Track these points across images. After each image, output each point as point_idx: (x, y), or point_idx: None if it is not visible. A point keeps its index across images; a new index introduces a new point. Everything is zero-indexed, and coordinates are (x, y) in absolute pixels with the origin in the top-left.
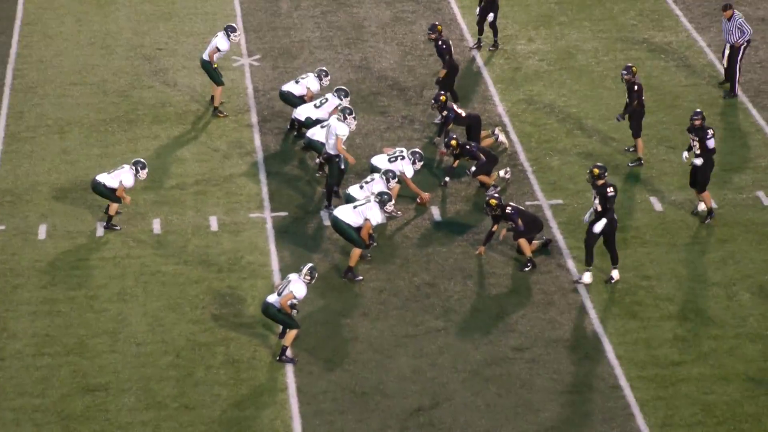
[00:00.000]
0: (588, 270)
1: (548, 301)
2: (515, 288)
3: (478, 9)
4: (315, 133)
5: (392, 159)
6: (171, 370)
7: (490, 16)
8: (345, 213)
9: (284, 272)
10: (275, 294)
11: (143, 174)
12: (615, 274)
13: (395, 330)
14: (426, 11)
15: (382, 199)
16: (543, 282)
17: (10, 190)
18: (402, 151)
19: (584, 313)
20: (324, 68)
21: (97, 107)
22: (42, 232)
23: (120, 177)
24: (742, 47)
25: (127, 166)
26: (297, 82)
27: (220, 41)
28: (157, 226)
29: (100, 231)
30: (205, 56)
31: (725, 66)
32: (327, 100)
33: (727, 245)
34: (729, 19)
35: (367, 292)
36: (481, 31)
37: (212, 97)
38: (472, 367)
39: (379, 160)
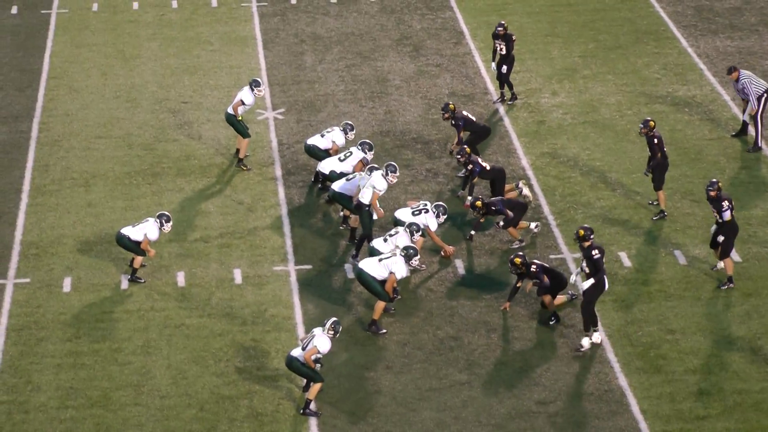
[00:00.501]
0: (591, 333)
1: (572, 355)
2: (539, 341)
3: (493, 64)
4: (340, 186)
5: (416, 212)
6: (195, 423)
7: (504, 68)
8: (370, 266)
9: (308, 325)
10: (299, 348)
11: (168, 227)
12: (585, 342)
13: (419, 383)
14: (450, 64)
15: (408, 254)
16: (567, 335)
17: (35, 243)
18: (426, 205)
19: (608, 367)
20: (350, 122)
21: (122, 160)
22: (67, 284)
23: (145, 230)
24: (764, 98)
25: (151, 219)
26: (322, 135)
27: (245, 95)
28: (181, 278)
29: (124, 284)
30: (230, 110)
31: (744, 119)
32: (351, 153)
33: (752, 299)
34: (736, 81)
35: (390, 345)
36: (502, 85)
37: (237, 150)
38: (496, 421)
39: (403, 214)
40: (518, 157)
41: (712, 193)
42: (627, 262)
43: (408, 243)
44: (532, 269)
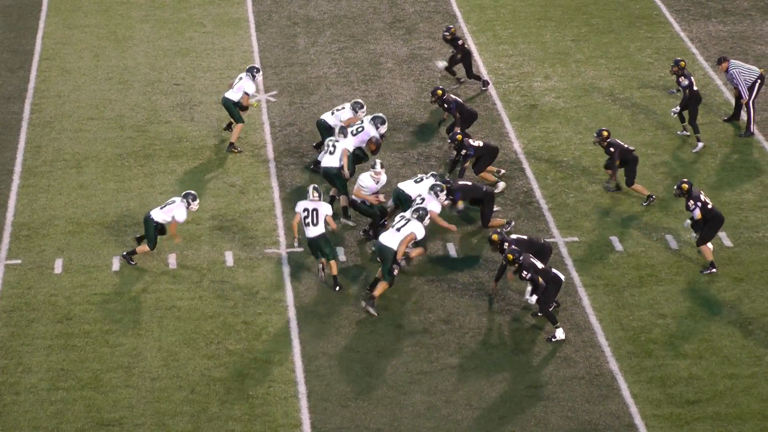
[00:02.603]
0: (558, 327)
1: (564, 338)
2: (530, 325)
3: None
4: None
5: (418, 180)
6: (185, 405)
7: (442, 64)
8: (389, 238)
9: (299, 308)
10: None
11: (195, 205)
12: (558, 333)
13: (410, 366)
14: (443, 48)
15: (420, 215)
16: (558, 319)
17: (27, 224)
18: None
19: (599, 351)
20: (359, 100)
21: (114, 142)
22: (58, 266)
23: (173, 212)
24: (757, 84)
25: (178, 200)
26: (333, 113)
27: (247, 84)
28: (172, 260)
29: (116, 265)
30: (232, 97)
31: (735, 103)
32: (363, 128)
33: (743, 284)
34: (726, 72)
35: (381, 328)
36: (471, 75)
37: (229, 126)
38: (487, 404)
39: (407, 186)
40: (510, 140)
41: (676, 193)
42: (618, 246)
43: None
44: (507, 246)
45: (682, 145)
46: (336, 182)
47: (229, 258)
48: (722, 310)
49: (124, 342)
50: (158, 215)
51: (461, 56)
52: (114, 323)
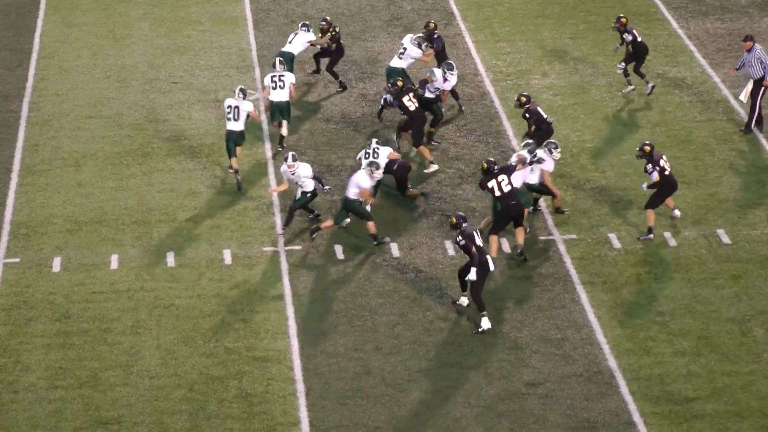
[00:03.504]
0: (484, 315)
1: (562, 336)
2: (529, 323)
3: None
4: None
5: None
6: (184, 403)
7: (324, 62)
8: (350, 192)
9: (298, 306)
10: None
11: (378, 174)
12: (484, 322)
13: (408, 364)
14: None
15: (371, 169)
16: (556, 317)
17: (25, 222)
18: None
19: (598, 349)
20: (450, 61)
21: (112, 140)
22: (56, 264)
23: (356, 181)
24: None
25: (363, 165)
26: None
27: (307, 36)
28: (171, 259)
29: (114, 264)
30: (293, 50)
31: (748, 102)
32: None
33: (741, 281)
34: (749, 51)
35: (380, 326)
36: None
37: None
38: (485, 402)
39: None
40: (508, 138)
41: (637, 155)
42: (617, 244)
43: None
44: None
45: (681, 143)
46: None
47: (228, 256)
48: (721, 308)
49: (123, 340)
50: (350, 192)
51: (334, 50)
52: (112, 321)
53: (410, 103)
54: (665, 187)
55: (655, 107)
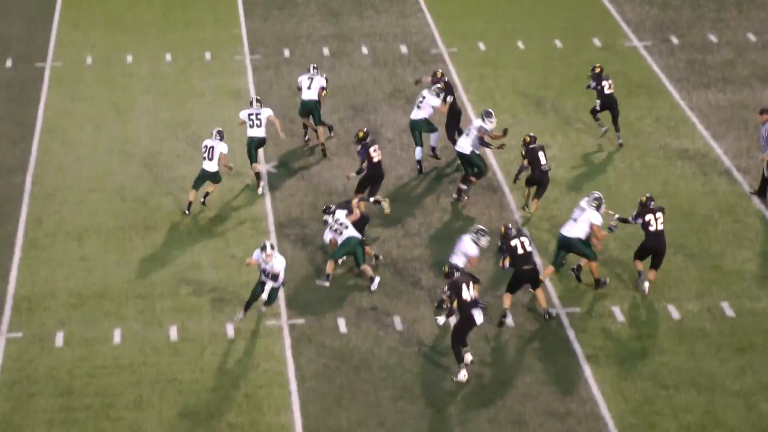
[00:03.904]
0: (462, 368)
1: (566, 411)
2: (533, 396)
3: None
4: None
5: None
6: None
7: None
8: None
9: (301, 380)
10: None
11: (485, 241)
12: (461, 375)
13: None
14: (443, 117)
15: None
16: (561, 391)
17: (28, 297)
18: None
19: (602, 423)
20: (489, 110)
21: (115, 213)
22: (59, 339)
23: (462, 250)
24: None
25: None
26: (466, 134)
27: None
28: (173, 333)
29: (117, 338)
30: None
31: (764, 175)
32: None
33: (746, 354)
34: (764, 124)
35: (383, 401)
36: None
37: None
38: None
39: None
40: (511, 210)
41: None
42: (620, 317)
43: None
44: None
45: (684, 215)
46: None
47: (230, 330)
48: (726, 381)
49: (125, 415)
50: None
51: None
52: (115, 396)
53: (375, 154)
54: (647, 241)
55: (657, 179)
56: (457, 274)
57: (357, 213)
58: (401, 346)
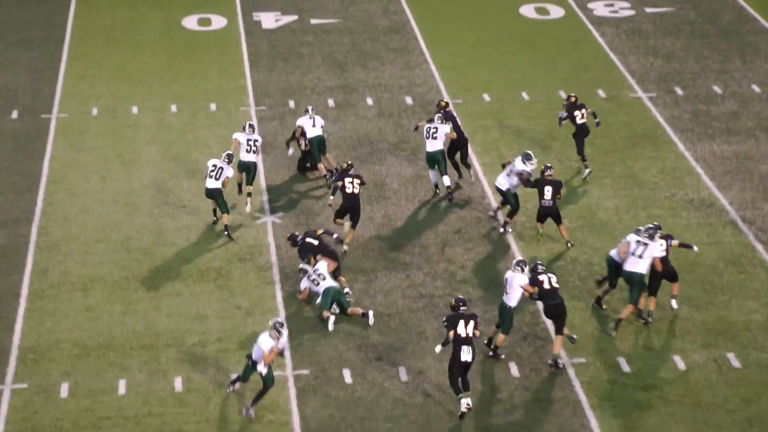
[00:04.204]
0: (461, 398)
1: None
2: None
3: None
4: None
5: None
6: None
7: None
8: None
9: (305, 431)
10: None
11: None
12: (462, 404)
13: None
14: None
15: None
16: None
17: (33, 347)
18: None
19: None
20: (529, 152)
21: (121, 264)
22: (64, 390)
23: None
24: None
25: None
26: (507, 174)
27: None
28: (178, 383)
29: (122, 389)
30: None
31: None
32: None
33: (753, 406)
34: None
35: None
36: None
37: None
38: None
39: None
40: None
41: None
42: (626, 368)
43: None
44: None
45: (690, 266)
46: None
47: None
48: None
49: None
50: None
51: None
52: None
53: (349, 185)
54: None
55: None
56: (463, 309)
57: (333, 264)
58: (406, 396)
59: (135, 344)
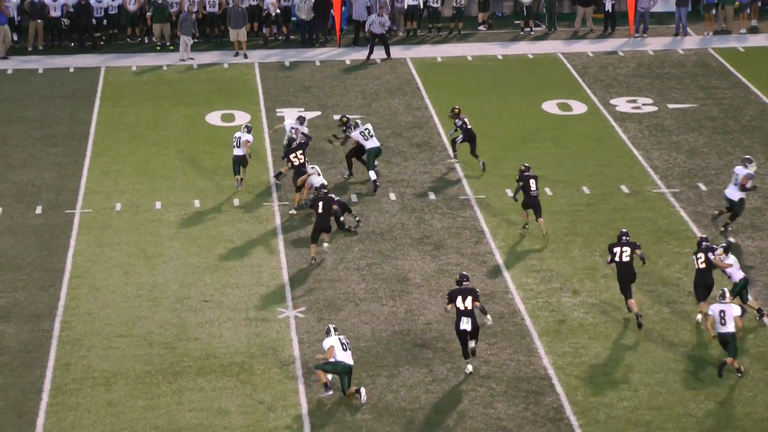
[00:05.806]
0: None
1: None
2: None
3: None
4: None
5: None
6: None
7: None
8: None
9: None
10: None
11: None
12: (468, 367)
13: None
14: (471, 263)
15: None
16: None
17: None
18: None
19: None
20: (749, 156)
21: (143, 359)
22: None
23: None
24: None
25: None
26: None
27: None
28: None
29: None
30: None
31: None
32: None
33: None
34: None
35: None
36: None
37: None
38: None
39: None
40: (539, 356)
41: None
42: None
43: None
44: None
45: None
46: None
47: None
48: None
49: None
50: None
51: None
52: None
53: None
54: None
55: (687, 326)
56: (465, 284)
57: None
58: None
59: None
